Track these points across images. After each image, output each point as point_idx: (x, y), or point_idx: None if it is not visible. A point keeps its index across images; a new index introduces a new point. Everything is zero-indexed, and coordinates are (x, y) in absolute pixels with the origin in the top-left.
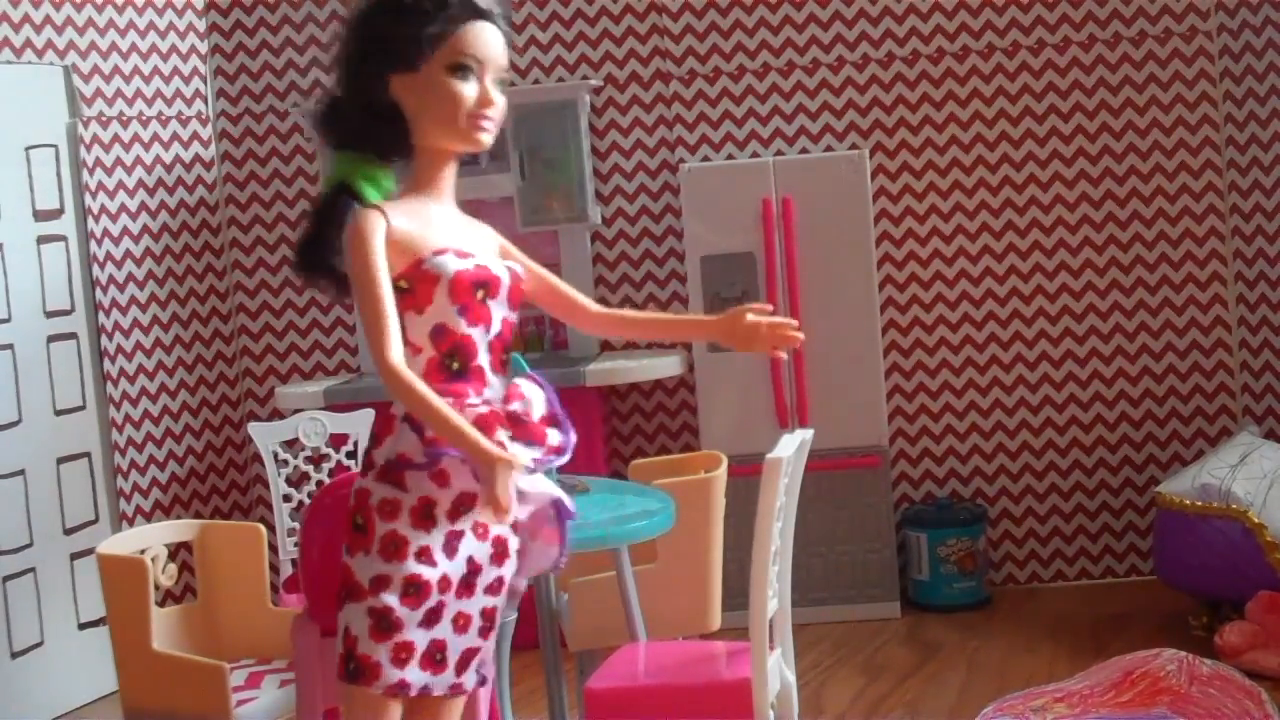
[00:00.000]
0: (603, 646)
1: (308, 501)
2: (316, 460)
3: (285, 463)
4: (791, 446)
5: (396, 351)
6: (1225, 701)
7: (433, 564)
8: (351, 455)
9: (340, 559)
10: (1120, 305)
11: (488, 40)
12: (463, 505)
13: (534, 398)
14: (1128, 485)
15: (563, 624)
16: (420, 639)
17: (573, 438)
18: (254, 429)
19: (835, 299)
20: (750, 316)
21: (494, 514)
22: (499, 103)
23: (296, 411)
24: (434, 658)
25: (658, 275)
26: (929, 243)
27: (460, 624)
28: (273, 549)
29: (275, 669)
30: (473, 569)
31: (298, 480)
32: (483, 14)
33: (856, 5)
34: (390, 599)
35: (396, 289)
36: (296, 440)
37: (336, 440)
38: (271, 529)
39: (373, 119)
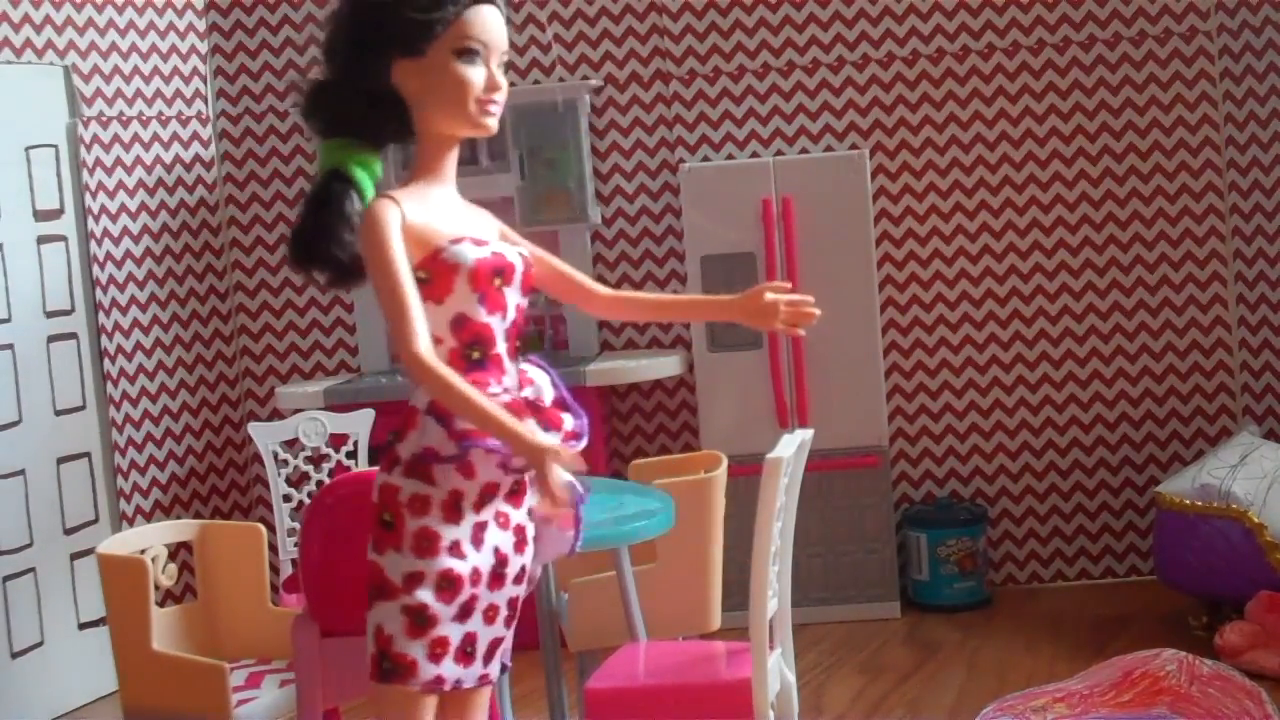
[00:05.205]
0: (603, 646)
1: (308, 501)
2: (316, 460)
3: (285, 463)
4: (791, 446)
5: (424, 342)
6: (1225, 701)
7: (463, 557)
8: (351, 455)
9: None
10: (1120, 305)
11: (492, 23)
12: (488, 495)
13: (542, 383)
14: (1128, 485)
15: (563, 624)
16: (455, 633)
17: (585, 421)
18: (254, 429)
19: (835, 299)
20: (769, 295)
21: (551, 505)
22: (504, 86)
23: (296, 411)
24: (465, 651)
25: (658, 275)
26: (929, 243)
27: (489, 615)
28: (273, 549)
29: (275, 669)
30: (500, 559)
31: (298, 480)
32: None
33: (856, 5)
34: (425, 595)
35: (415, 279)
36: (296, 440)
37: (336, 440)
38: (271, 529)
39: (371, 105)
